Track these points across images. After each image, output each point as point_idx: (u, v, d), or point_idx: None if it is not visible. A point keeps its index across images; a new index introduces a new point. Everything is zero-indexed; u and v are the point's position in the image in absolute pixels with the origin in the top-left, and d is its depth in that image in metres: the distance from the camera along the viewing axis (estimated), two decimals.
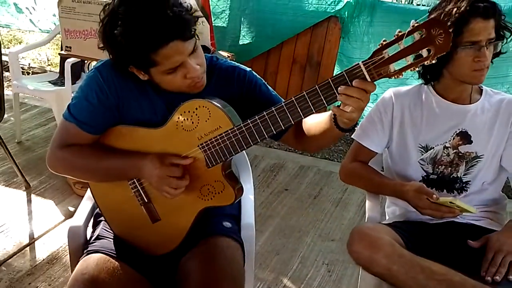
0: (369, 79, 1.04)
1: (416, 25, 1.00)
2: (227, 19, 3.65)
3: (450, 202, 1.29)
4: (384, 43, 1.03)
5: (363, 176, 1.58)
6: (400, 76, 1.04)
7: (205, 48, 2.54)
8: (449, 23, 1.38)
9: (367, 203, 1.57)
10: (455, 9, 1.38)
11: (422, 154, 1.52)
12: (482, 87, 1.55)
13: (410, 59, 1.03)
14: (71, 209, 2.51)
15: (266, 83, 1.38)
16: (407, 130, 1.53)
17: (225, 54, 2.80)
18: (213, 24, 3.15)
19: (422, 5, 3.70)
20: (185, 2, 1.18)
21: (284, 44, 3.57)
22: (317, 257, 2.23)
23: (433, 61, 1.02)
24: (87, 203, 1.47)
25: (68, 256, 2.10)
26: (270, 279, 2.08)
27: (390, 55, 1.03)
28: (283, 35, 3.51)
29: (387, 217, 1.66)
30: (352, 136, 1.63)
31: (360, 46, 3.36)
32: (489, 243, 1.33)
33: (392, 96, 1.56)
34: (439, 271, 1.21)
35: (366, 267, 1.28)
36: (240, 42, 3.65)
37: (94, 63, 1.77)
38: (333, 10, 3.36)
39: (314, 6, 3.41)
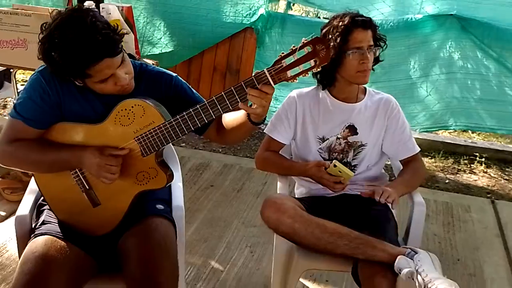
0: (272, 83, 1.33)
1: (305, 42, 1.31)
2: (149, 29, 3.85)
3: (334, 166, 1.65)
4: (282, 55, 1.33)
5: (274, 162, 1.89)
6: (295, 80, 1.34)
7: (130, 56, 2.72)
8: (337, 34, 1.73)
9: (278, 184, 1.88)
10: (340, 23, 1.74)
11: (320, 144, 1.85)
12: (366, 88, 1.92)
13: (302, 67, 1.33)
14: (2, 213, 2.57)
15: (190, 86, 1.63)
16: (308, 125, 1.86)
17: (149, 61, 3.00)
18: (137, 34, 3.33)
19: (328, 19, 4.15)
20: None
21: (205, 52, 3.83)
22: (241, 241, 2.51)
23: (319, 69, 1.33)
24: (30, 195, 1.62)
25: (6, 254, 2.22)
26: (199, 263, 2.32)
27: (287, 64, 1.33)
28: (203, 45, 3.78)
29: (296, 197, 1.98)
30: (264, 131, 1.93)
31: (274, 54, 3.72)
32: (375, 188, 1.68)
33: (295, 97, 1.89)
34: (331, 226, 1.55)
35: (275, 228, 1.59)
36: (163, 50, 3.87)
37: (19, 71, 1.92)
38: (249, 22, 3.69)
39: (231, 18, 3.72)
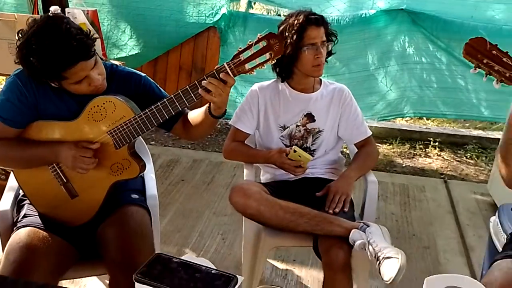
0: (231, 75, 1.47)
1: (260, 37, 1.46)
2: (114, 33, 3.92)
3: (294, 151, 1.81)
4: (240, 49, 1.47)
5: (241, 151, 2.04)
6: (253, 72, 1.48)
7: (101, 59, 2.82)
8: (293, 32, 1.88)
9: (245, 171, 2.03)
10: (296, 21, 1.89)
11: (282, 132, 2.01)
12: (321, 79, 2.09)
13: (258, 60, 1.48)
14: None
15: (158, 85, 1.76)
16: (269, 115, 2.01)
17: (117, 62, 3.08)
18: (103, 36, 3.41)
19: None
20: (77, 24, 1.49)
21: (170, 52, 3.95)
22: (212, 229, 2.65)
23: (273, 61, 1.48)
24: (10, 192, 1.71)
25: None
26: (174, 251, 2.44)
27: (244, 58, 1.47)
28: (168, 45, 3.89)
29: (261, 182, 2.12)
30: (230, 122, 2.07)
31: None
32: (329, 189, 1.85)
33: (257, 90, 2.04)
34: (292, 206, 1.71)
35: (242, 211, 1.73)
36: (129, 52, 3.95)
37: None
38: (212, 22, 3.82)
39: (194, 18, 3.84)
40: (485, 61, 1.29)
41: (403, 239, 2.60)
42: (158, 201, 1.79)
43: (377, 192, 1.94)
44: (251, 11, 4.02)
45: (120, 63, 3.12)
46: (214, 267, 0.89)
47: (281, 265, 2.37)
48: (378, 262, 1.50)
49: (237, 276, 0.87)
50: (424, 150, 3.85)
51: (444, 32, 3.65)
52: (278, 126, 2.01)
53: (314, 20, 1.89)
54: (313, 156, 2.00)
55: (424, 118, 4.35)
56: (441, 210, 2.95)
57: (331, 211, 1.77)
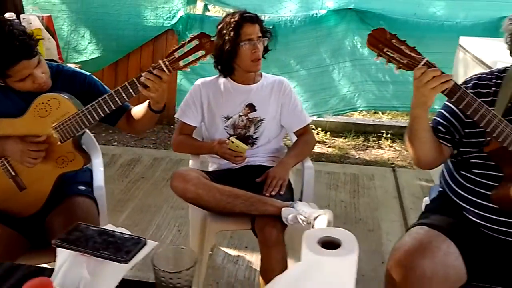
0: (167, 71, 1.59)
1: (192, 36, 1.58)
2: (73, 37, 4.00)
3: (232, 142, 1.94)
4: (174, 48, 1.59)
5: (187, 143, 2.17)
6: (187, 69, 1.61)
7: (54, 61, 2.90)
8: (230, 29, 2.02)
9: (190, 161, 2.16)
10: (232, 19, 2.04)
11: (225, 122, 2.14)
12: (262, 73, 2.23)
13: (191, 57, 1.61)
14: None
15: (103, 84, 1.86)
16: (213, 107, 2.15)
17: (73, 65, 3.17)
18: (59, 41, 3.49)
19: None
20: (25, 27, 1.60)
21: (130, 55, 4.05)
22: (169, 222, 2.76)
23: (205, 59, 1.61)
24: None
25: None
26: None
27: (179, 55, 1.59)
28: (128, 48, 3.99)
29: (209, 171, 2.25)
30: (175, 116, 2.20)
31: None
32: (268, 174, 2.00)
33: (200, 84, 2.17)
34: (228, 189, 1.84)
35: (182, 195, 1.86)
36: (89, 56, 4.03)
37: None
38: (169, 24, 3.94)
39: (152, 22, 3.95)
40: (385, 50, 1.44)
41: (350, 223, 2.76)
42: (104, 191, 1.90)
43: (313, 177, 2.09)
44: (207, 13, 4.14)
45: (76, 66, 3.23)
46: (130, 234, 1.02)
47: (233, 252, 2.50)
48: (311, 225, 1.62)
49: (148, 240, 0.99)
50: (377, 142, 4.04)
51: (390, 30, 3.82)
52: (222, 117, 2.14)
53: (248, 18, 2.04)
54: (256, 144, 2.14)
55: (380, 112, 4.55)
56: (388, 196, 3.13)
57: (267, 194, 1.91)
